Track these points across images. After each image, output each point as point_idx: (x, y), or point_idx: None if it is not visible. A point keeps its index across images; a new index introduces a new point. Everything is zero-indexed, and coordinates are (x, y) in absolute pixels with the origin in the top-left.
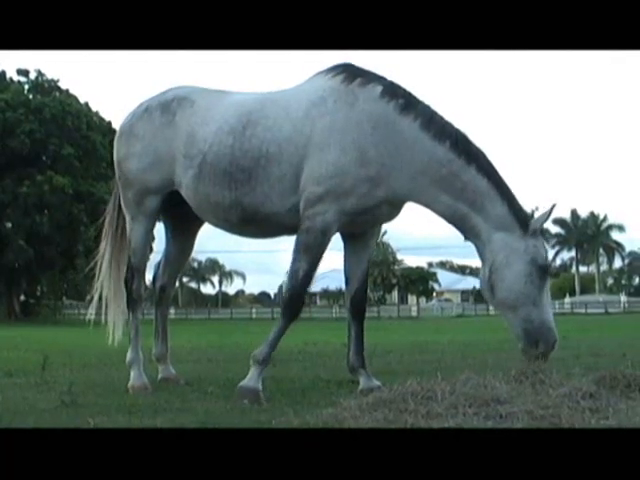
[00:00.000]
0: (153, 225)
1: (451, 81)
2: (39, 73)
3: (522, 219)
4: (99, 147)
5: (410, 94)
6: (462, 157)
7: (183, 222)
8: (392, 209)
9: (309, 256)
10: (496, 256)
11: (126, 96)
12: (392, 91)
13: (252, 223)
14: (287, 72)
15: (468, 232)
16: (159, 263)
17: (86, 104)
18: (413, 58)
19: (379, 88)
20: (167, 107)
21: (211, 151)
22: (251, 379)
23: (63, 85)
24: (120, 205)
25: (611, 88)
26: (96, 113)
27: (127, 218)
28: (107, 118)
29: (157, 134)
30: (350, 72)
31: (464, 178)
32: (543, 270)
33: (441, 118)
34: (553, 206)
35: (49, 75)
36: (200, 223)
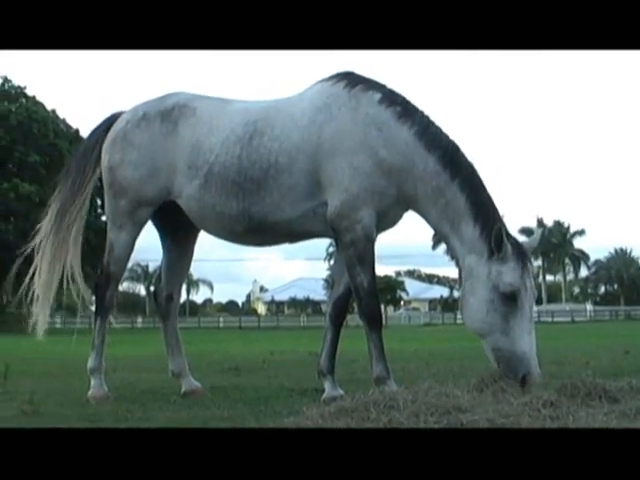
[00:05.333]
0: (139, 234)
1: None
2: (5, 80)
3: (494, 243)
4: (66, 155)
5: (408, 102)
6: (447, 170)
7: (181, 229)
8: (400, 212)
9: (365, 266)
10: (465, 282)
11: (95, 104)
12: (391, 98)
13: (257, 232)
14: (252, 75)
15: (452, 253)
16: (159, 274)
17: (53, 111)
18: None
19: (378, 95)
20: (168, 115)
21: (218, 161)
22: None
23: (30, 92)
24: (65, 204)
25: (568, 97)
26: (63, 120)
27: (110, 226)
28: (74, 126)
29: (156, 143)
30: (351, 79)
31: (447, 195)
32: (508, 297)
33: (436, 128)
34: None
35: (16, 82)
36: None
